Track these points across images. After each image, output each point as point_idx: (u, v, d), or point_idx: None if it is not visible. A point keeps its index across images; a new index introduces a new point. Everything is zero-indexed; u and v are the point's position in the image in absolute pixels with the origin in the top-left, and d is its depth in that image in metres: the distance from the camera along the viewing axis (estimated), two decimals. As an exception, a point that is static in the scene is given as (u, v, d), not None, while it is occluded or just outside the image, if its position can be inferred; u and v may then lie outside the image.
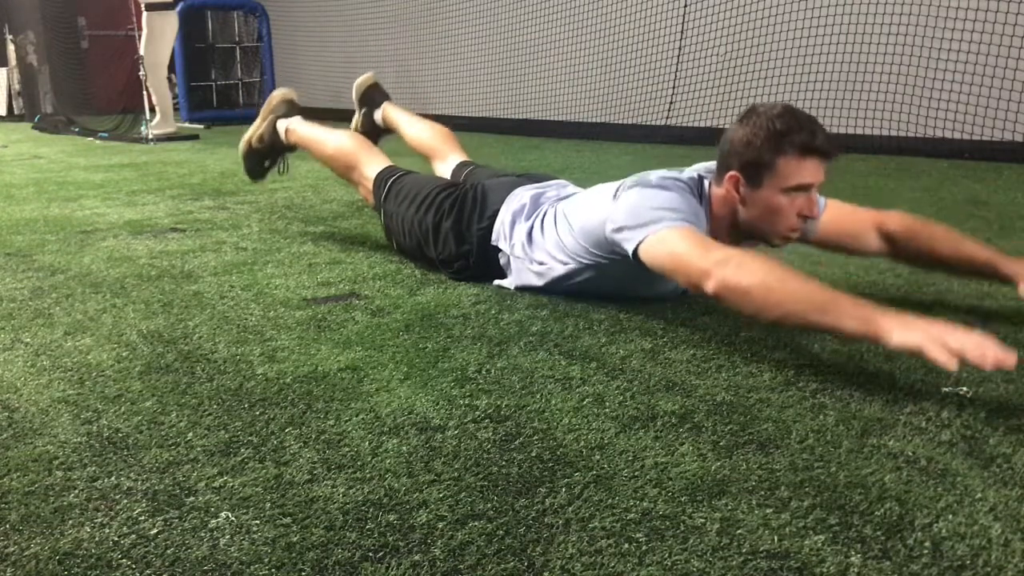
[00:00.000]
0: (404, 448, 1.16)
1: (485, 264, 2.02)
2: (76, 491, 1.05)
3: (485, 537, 0.94)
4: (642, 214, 1.60)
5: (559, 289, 1.89)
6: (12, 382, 1.43)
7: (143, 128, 6.41)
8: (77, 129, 7.38)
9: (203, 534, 0.95)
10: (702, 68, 5.85)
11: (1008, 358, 1.18)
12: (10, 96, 10.38)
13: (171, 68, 7.25)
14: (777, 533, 0.94)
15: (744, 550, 0.91)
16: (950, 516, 0.97)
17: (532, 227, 1.93)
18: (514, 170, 2.34)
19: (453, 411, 1.29)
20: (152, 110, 6.58)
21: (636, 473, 1.08)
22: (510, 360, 1.51)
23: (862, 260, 2.10)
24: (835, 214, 1.82)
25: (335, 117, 7.68)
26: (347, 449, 1.16)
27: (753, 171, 1.62)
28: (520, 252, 1.94)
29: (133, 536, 0.95)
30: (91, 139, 6.76)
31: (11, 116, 10.25)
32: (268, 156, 2.68)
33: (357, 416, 1.27)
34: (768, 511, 0.99)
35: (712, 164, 1.75)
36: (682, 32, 6.02)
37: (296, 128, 2.56)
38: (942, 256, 1.76)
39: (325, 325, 1.72)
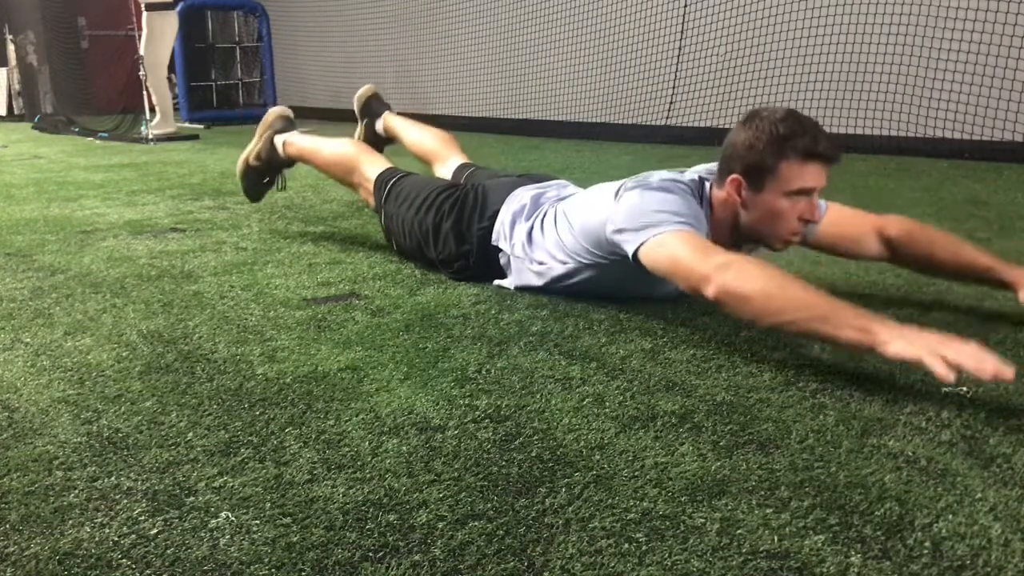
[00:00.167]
0: (404, 448, 1.16)
1: (485, 264, 2.02)
2: (76, 491, 1.05)
3: (485, 537, 0.94)
4: (643, 216, 1.60)
5: (559, 289, 1.89)
6: (12, 382, 1.43)
7: (143, 128, 6.41)
8: (77, 129, 7.38)
9: (203, 534, 0.95)
10: (702, 68, 5.85)
11: (1006, 371, 1.18)
12: (10, 96, 10.38)
13: (171, 68, 7.25)
14: (777, 533, 0.94)
15: (744, 550, 0.91)
16: (950, 516, 0.97)
17: (532, 227, 1.93)
18: (514, 170, 2.34)
19: (453, 411, 1.29)
20: (152, 110, 6.58)
21: (636, 473, 1.08)
22: (510, 360, 1.51)
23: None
24: (836, 218, 1.82)
25: (335, 117, 7.69)
26: (347, 449, 1.16)
27: (755, 175, 1.63)
28: (520, 252, 1.94)
29: (133, 536, 0.95)
30: (91, 139, 6.76)
31: (11, 116, 10.25)
32: (267, 173, 2.67)
33: (357, 416, 1.27)
34: (768, 511, 0.99)
35: (713, 165, 1.75)
36: (682, 32, 6.02)
37: (294, 140, 2.56)
38: (942, 262, 1.76)
39: (325, 325, 1.72)
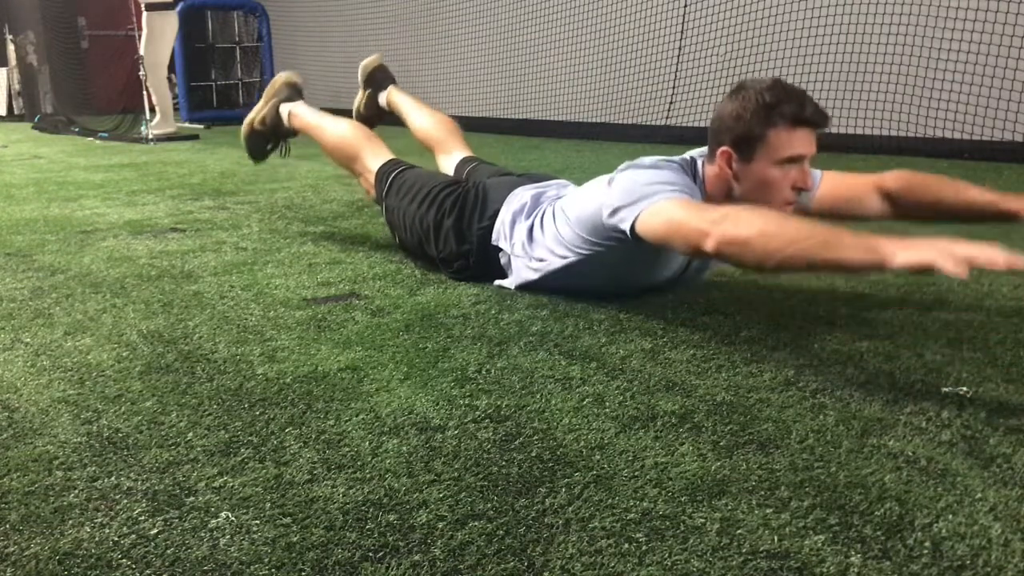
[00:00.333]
0: (404, 448, 1.16)
1: (485, 264, 2.02)
2: (76, 491, 1.05)
3: (485, 537, 0.94)
4: (636, 191, 1.60)
5: (557, 284, 1.89)
6: (12, 382, 1.43)
7: (143, 128, 6.42)
8: (77, 129, 7.38)
9: (203, 534, 0.95)
10: (702, 68, 5.85)
11: (1019, 260, 1.15)
12: (10, 96, 10.38)
13: (171, 68, 7.25)
14: (777, 533, 0.94)
15: (744, 550, 0.91)
16: (950, 516, 0.97)
17: (532, 225, 1.93)
18: (514, 170, 2.34)
19: (453, 411, 1.29)
20: (152, 110, 6.58)
21: (636, 473, 1.08)
22: (510, 360, 1.51)
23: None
24: (833, 183, 1.81)
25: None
26: (347, 449, 1.16)
27: (744, 145, 1.63)
28: (520, 251, 1.94)
29: (133, 536, 0.95)
30: (91, 139, 6.76)
31: (11, 116, 10.25)
32: (270, 139, 2.67)
33: (357, 416, 1.27)
34: (768, 511, 0.99)
35: (705, 149, 1.75)
36: (682, 32, 6.02)
37: (299, 113, 2.55)
38: (945, 203, 1.73)
39: (325, 325, 1.72)
